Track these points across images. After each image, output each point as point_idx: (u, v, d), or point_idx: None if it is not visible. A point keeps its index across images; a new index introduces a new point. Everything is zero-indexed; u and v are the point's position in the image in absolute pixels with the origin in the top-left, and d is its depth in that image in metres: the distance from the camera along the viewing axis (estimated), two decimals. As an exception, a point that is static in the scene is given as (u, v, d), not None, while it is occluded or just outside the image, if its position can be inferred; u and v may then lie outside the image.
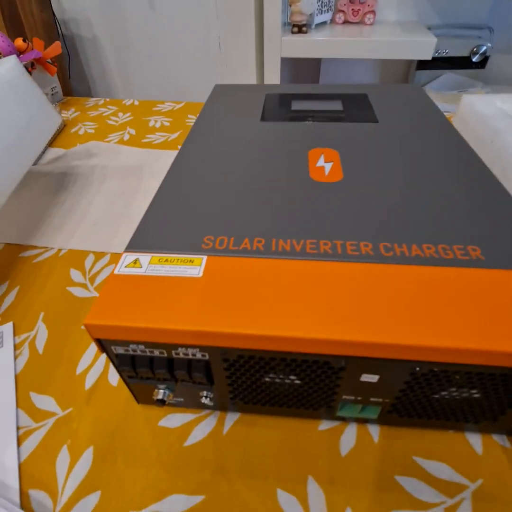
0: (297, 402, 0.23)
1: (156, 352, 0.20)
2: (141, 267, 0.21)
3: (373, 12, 1.14)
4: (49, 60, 0.70)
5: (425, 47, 1.00)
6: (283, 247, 0.22)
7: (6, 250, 0.40)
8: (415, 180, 0.28)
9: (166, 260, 0.22)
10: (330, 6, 1.13)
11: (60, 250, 0.39)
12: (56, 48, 0.69)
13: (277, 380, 0.21)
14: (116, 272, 0.21)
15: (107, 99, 0.77)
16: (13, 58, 0.41)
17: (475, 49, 1.14)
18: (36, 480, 0.23)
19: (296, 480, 0.22)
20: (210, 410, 0.26)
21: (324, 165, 0.30)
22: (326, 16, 1.14)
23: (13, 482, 0.22)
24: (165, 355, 0.20)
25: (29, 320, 0.32)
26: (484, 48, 1.13)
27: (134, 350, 0.20)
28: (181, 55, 1.18)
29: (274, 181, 0.28)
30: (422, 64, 1.18)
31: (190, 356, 0.20)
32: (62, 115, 0.69)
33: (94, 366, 0.29)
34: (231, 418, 0.25)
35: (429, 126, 0.35)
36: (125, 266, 0.21)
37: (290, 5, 1.05)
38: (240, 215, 0.25)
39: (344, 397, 0.22)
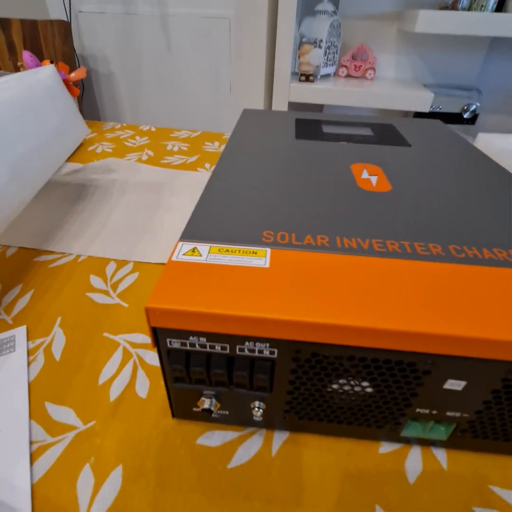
0: (361, 418, 0.20)
1: (217, 348, 0.18)
2: (200, 255, 0.20)
3: (373, 68, 1.23)
4: (72, 83, 0.72)
5: (423, 100, 1.08)
6: (349, 245, 0.21)
7: (20, 254, 0.37)
8: (463, 191, 0.28)
9: (227, 251, 0.20)
10: (334, 61, 1.22)
11: (78, 256, 0.37)
12: (81, 72, 0.71)
13: (345, 388, 0.19)
14: (174, 259, 0.19)
15: (124, 124, 0.78)
16: (51, 67, 0.41)
17: (465, 107, 1.24)
18: (52, 505, 0.19)
19: (362, 509, 0.19)
20: (254, 427, 0.23)
21: (370, 177, 0.30)
22: (330, 70, 1.23)
23: (25, 506, 0.19)
24: (227, 351, 0.18)
25: (44, 325, 0.29)
26: (474, 106, 1.23)
27: (192, 345, 0.18)
28: (193, 95, 1.24)
29: (323, 188, 0.28)
30: (418, 117, 1.27)
31: (256, 354, 0.18)
32: (79, 135, 0.70)
33: (119, 375, 0.26)
34: (279, 437, 0.22)
35: (459, 150, 0.36)
36: (183, 254, 0.20)
37: (299, 57, 1.13)
38: (297, 213, 0.24)
39: (417, 410, 0.19)
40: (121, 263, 0.37)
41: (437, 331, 0.16)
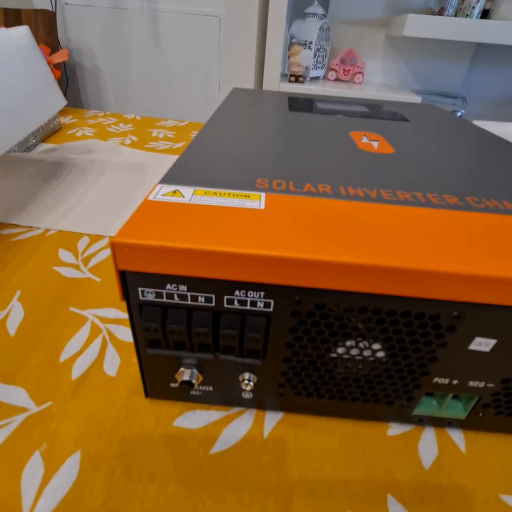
0: (368, 392, 0.17)
1: (200, 300, 0.15)
2: (183, 196, 0.17)
3: (361, 73, 1.25)
4: (53, 65, 0.69)
5: (411, 104, 1.08)
6: (355, 193, 0.18)
7: (-20, 227, 0.33)
8: (471, 154, 0.25)
9: (215, 193, 0.17)
10: (323, 64, 1.23)
11: (47, 230, 0.33)
12: (63, 54, 0.68)
13: (352, 353, 0.16)
14: (150, 198, 0.16)
15: (107, 112, 0.75)
16: (25, 28, 0.38)
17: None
18: (-12, 501, 0.15)
19: (371, 500, 0.16)
20: (243, 407, 0.19)
21: (371, 142, 0.28)
22: (320, 72, 1.23)
23: (-48, 503, 0.15)
24: (212, 304, 0.15)
25: (0, 299, 0.25)
26: (459, 114, 1.25)
27: (170, 297, 0.15)
28: (181, 92, 1.22)
29: (322, 146, 0.25)
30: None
31: (248, 307, 0.15)
32: (60, 120, 0.66)
33: (85, 352, 0.22)
34: (272, 418, 0.19)
35: (459, 125, 0.35)
36: (162, 195, 0.17)
37: (289, 58, 1.13)
38: (294, 164, 0.21)
39: (435, 380, 0.17)
40: (95, 238, 0.33)
41: (468, 271, 0.13)
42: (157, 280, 0.14)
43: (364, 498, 0.16)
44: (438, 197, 0.19)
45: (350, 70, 1.24)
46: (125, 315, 0.25)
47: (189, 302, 0.15)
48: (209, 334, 0.15)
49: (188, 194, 0.17)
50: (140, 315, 0.15)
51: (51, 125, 0.59)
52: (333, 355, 0.16)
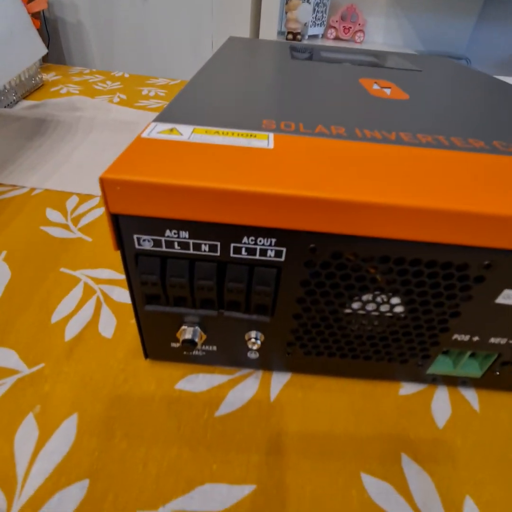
0: (382, 350, 0.16)
1: (204, 249, 0.13)
2: (181, 134, 0.15)
3: (363, 31, 1.18)
4: (31, 15, 0.63)
5: (414, 65, 1.03)
6: (372, 135, 0.16)
7: (-41, 186, 0.31)
8: (493, 101, 0.23)
9: (217, 132, 0.15)
10: (323, 21, 1.16)
11: (33, 189, 0.31)
12: (41, 2, 0.62)
13: (368, 308, 0.15)
14: (143, 136, 0.14)
15: (94, 70, 0.70)
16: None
17: (454, 77, 1.20)
18: (-21, 466, 0.14)
19: (385, 460, 0.15)
20: (248, 369, 0.18)
21: (383, 89, 0.25)
22: (319, 30, 1.16)
23: None
24: (217, 253, 0.13)
25: (-16, 259, 0.24)
26: (463, 77, 1.20)
27: (170, 245, 0.13)
28: (171, 50, 1.15)
29: (331, 91, 0.23)
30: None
31: (257, 256, 0.13)
32: (42, 77, 0.61)
33: (78, 313, 0.21)
34: (279, 380, 0.18)
35: (473, 75, 0.32)
36: (158, 132, 0.15)
37: (286, 13, 1.06)
38: (302, 106, 0.19)
39: (454, 337, 0.16)
40: (85, 198, 0.31)
41: (505, 213, 0.11)
42: (155, 226, 0.12)
43: (377, 458, 0.15)
44: (463, 141, 0.17)
45: (350, 27, 1.17)
46: (120, 276, 0.23)
47: (191, 251, 0.13)
48: (213, 288, 0.14)
49: (186, 132, 0.15)
50: (136, 267, 0.14)
51: (33, 81, 0.54)
52: (347, 310, 0.15)
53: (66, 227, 0.27)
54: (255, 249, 0.13)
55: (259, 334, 0.16)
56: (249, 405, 0.17)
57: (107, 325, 0.20)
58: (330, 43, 1.13)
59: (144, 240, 0.13)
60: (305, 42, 1.07)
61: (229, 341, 0.17)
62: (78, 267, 0.24)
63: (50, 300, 0.21)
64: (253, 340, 0.16)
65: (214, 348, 0.17)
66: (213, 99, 0.19)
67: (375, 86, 0.26)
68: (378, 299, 0.14)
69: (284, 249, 0.13)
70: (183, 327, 0.16)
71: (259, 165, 0.13)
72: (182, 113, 0.17)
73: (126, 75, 0.68)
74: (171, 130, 0.15)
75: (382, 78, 0.28)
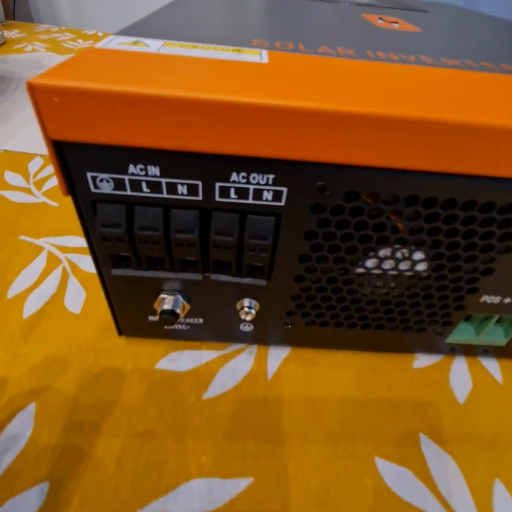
0: (397, 317, 0.14)
1: (181, 191, 0.10)
2: (147, 46, 0.11)
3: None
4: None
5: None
6: (388, 57, 0.13)
7: None
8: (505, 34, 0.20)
9: (195, 47, 0.12)
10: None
11: (-10, 151, 0.27)
12: None
13: (385, 266, 0.12)
14: (97, 46, 0.11)
15: (63, 27, 0.64)
16: None
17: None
18: None
19: (401, 441, 0.13)
20: (241, 344, 0.16)
21: (390, 23, 0.22)
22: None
23: None
24: (199, 197, 0.10)
25: None
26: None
27: (136, 187, 0.10)
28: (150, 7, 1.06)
29: (333, 22, 0.19)
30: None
31: (250, 200, 0.10)
32: (4, 34, 0.55)
33: (40, 286, 0.18)
34: (276, 355, 0.16)
35: (482, 16, 0.29)
36: (117, 44, 0.11)
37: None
38: (302, 28, 0.16)
39: (483, 299, 0.13)
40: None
41: None
42: (115, 159, 0.09)
43: (392, 440, 0.13)
44: (495, 66, 0.14)
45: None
46: (91, 244, 0.20)
47: (164, 194, 0.10)
48: (196, 243, 0.11)
49: (155, 45, 0.11)
50: (95, 218, 0.11)
51: (-8, 37, 0.49)
52: (360, 270, 0.12)
53: (28, 191, 0.24)
54: (248, 189, 0.10)
55: (254, 302, 0.13)
56: (243, 384, 0.14)
57: (75, 299, 0.17)
58: None
59: (101, 181, 0.10)
60: None
61: (218, 311, 0.14)
62: (41, 235, 0.20)
63: (6, 272, 0.18)
64: (246, 309, 0.13)
65: (200, 320, 0.14)
66: (191, 17, 0.15)
67: (381, 21, 0.22)
68: (398, 255, 0.12)
69: (284, 190, 0.10)
70: (162, 296, 0.13)
71: (250, 77, 0.10)
72: (152, 28, 0.13)
73: (100, 34, 0.62)
74: (135, 42, 0.12)
75: (388, 15, 0.25)
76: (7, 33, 0.57)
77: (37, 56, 0.45)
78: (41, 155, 0.27)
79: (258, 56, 0.11)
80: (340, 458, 0.13)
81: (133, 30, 0.13)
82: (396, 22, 0.23)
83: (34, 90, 0.08)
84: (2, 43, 0.52)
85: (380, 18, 0.24)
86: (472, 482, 0.13)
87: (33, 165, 0.26)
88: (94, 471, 0.12)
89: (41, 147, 0.28)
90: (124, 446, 0.12)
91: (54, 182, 0.25)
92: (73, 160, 0.09)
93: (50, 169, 0.26)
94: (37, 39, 0.55)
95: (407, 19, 0.24)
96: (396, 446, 0.13)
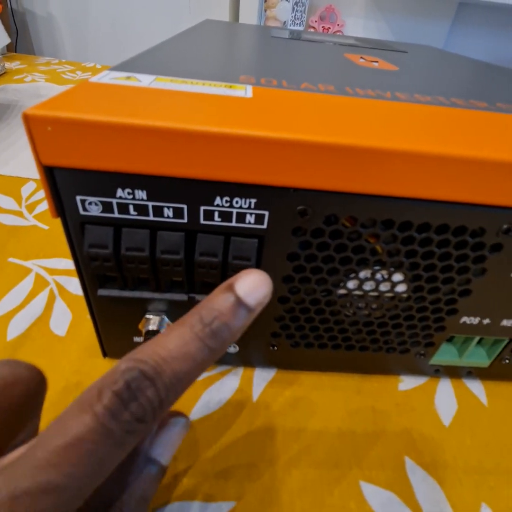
0: (380, 338, 0.14)
1: (167, 213, 0.10)
2: (139, 81, 0.12)
3: (341, 32, 1.18)
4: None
5: (392, 65, 1.04)
6: (366, 93, 0.14)
7: None
8: (478, 74, 0.22)
9: (184, 82, 0.13)
10: (302, 21, 1.15)
11: (-16, 175, 0.28)
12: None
13: (366, 288, 0.13)
14: (92, 80, 0.12)
15: (63, 60, 0.66)
16: None
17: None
18: None
19: (386, 465, 0.13)
20: (225, 365, 0.16)
21: (370, 62, 0.24)
22: (298, 29, 1.16)
23: None
24: (184, 219, 0.11)
25: None
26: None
27: (123, 210, 0.10)
28: (146, 41, 1.12)
29: (317, 60, 0.21)
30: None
31: (233, 223, 0.11)
32: (4, 65, 0.57)
33: (26, 308, 0.17)
34: (262, 377, 0.16)
35: (457, 57, 0.31)
36: (111, 78, 0.12)
37: (266, 11, 1.05)
38: (286, 67, 0.17)
39: (463, 320, 0.14)
40: (43, 184, 0.28)
41: (532, 163, 0.09)
42: (104, 183, 0.10)
43: (378, 464, 0.13)
44: (465, 102, 0.15)
45: (329, 28, 1.17)
46: (80, 266, 0.20)
47: (151, 217, 0.11)
48: (181, 264, 0.11)
49: (147, 79, 0.12)
50: (83, 239, 0.11)
51: (-7, 68, 0.50)
52: (342, 291, 0.13)
53: (19, 214, 0.24)
54: (231, 213, 0.10)
55: (239, 323, 0.14)
56: (228, 406, 0.14)
57: (61, 321, 0.17)
58: (309, 42, 1.12)
59: (90, 203, 0.10)
60: (285, 40, 1.07)
61: (203, 333, 0.14)
62: (30, 257, 0.21)
63: (-7, 293, 0.18)
64: (231, 330, 0.13)
65: (186, 341, 0.14)
66: (182, 55, 0.17)
67: (362, 60, 0.24)
68: (378, 276, 0.12)
69: (266, 213, 0.10)
70: (147, 316, 0.13)
71: (235, 110, 0.10)
72: (145, 64, 0.14)
73: (98, 66, 0.64)
74: (128, 77, 0.12)
75: (369, 55, 0.27)
76: (8, 64, 0.59)
77: (37, 85, 0.46)
78: (34, 180, 0.28)
79: (243, 91, 0.12)
80: (325, 482, 0.12)
81: (127, 65, 0.14)
82: (376, 61, 0.24)
83: (28, 120, 0.09)
84: (3, 73, 0.54)
85: (361, 57, 0.25)
86: (458, 506, 0.12)
87: (26, 189, 0.27)
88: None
89: (33, 173, 0.29)
90: (104, 472, 0.12)
91: (45, 205, 0.25)
92: (63, 184, 0.10)
93: (43, 193, 0.26)
94: (37, 70, 0.57)
95: (387, 59, 0.26)
96: (381, 470, 0.13)
